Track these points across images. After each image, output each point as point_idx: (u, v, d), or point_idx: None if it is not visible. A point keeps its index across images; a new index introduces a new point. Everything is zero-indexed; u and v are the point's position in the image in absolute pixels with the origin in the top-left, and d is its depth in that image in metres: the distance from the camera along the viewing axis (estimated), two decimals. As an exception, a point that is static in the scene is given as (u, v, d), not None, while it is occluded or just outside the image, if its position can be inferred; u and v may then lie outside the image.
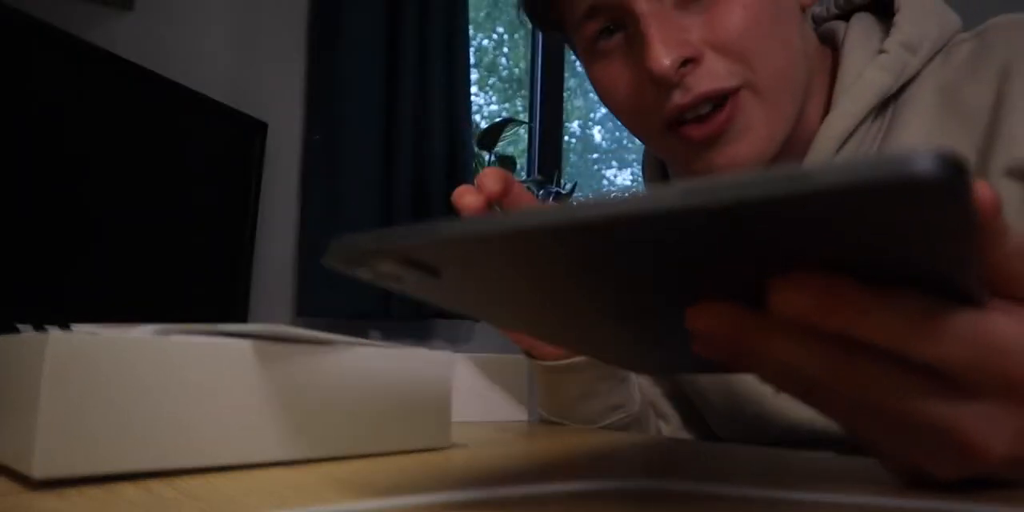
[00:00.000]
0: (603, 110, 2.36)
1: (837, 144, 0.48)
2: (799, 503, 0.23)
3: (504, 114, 2.16)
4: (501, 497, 0.23)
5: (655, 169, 0.62)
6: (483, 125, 1.90)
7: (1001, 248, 0.20)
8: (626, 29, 0.47)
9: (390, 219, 1.56)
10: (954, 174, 0.13)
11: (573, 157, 2.22)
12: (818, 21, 0.56)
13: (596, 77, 0.50)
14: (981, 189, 0.20)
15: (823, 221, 0.15)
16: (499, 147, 1.84)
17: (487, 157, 1.82)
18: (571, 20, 0.49)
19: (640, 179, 0.66)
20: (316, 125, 1.56)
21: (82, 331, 0.28)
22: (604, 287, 0.22)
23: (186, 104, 1.25)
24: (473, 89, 1.73)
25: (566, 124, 2.08)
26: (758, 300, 0.20)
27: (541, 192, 1.89)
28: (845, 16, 0.55)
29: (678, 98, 0.45)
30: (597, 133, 2.32)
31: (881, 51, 0.48)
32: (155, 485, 0.25)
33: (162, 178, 1.19)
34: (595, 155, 2.32)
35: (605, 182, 2.33)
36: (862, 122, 0.48)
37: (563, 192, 1.87)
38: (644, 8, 0.44)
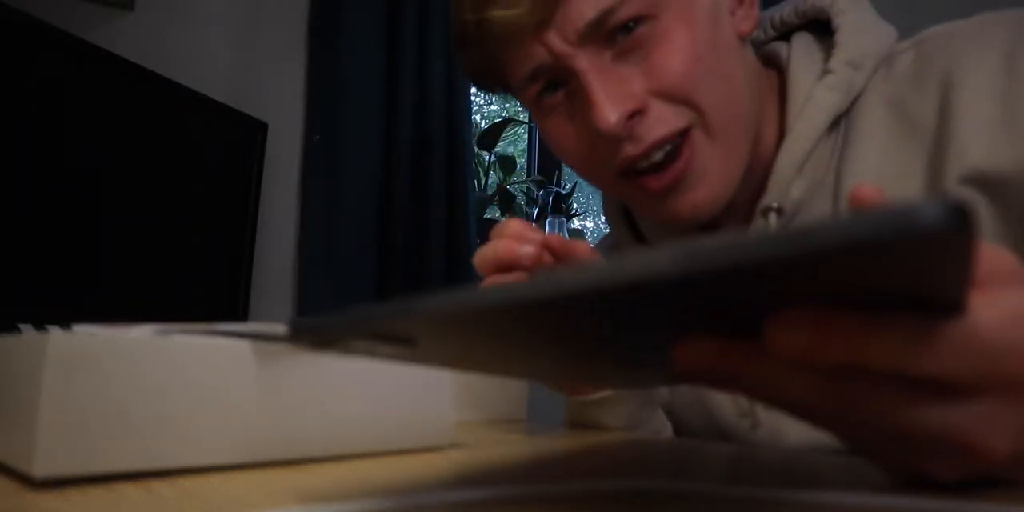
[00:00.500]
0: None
1: (797, 169, 0.48)
2: (799, 503, 0.23)
3: (504, 114, 2.16)
4: (501, 497, 0.23)
5: (616, 208, 0.62)
6: (483, 125, 1.90)
7: None
8: (568, 85, 0.47)
9: (390, 219, 1.56)
10: (962, 220, 0.13)
11: (573, 157, 2.22)
12: (757, 44, 0.56)
13: (546, 131, 0.50)
14: (866, 191, 0.21)
15: (822, 272, 0.15)
16: (499, 147, 1.84)
17: (487, 157, 1.82)
18: (515, 82, 0.49)
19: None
20: (316, 125, 1.56)
21: (83, 331, 0.28)
22: (586, 340, 0.22)
23: (186, 104, 1.25)
24: (473, 89, 1.73)
25: (566, 124, 2.08)
26: (746, 329, 0.19)
27: (541, 192, 1.89)
28: (783, 37, 0.55)
29: (630, 149, 0.45)
30: (597, 133, 2.32)
31: (826, 71, 0.49)
32: (155, 485, 0.25)
33: (162, 178, 1.19)
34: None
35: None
36: (815, 146, 0.49)
37: (563, 192, 1.87)
38: (584, 65, 0.44)
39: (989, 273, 0.20)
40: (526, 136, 2.05)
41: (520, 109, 2.14)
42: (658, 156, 0.45)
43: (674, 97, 0.44)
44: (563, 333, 0.21)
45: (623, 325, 0.20)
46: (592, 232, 2.23)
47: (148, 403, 0.27)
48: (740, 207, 0.51)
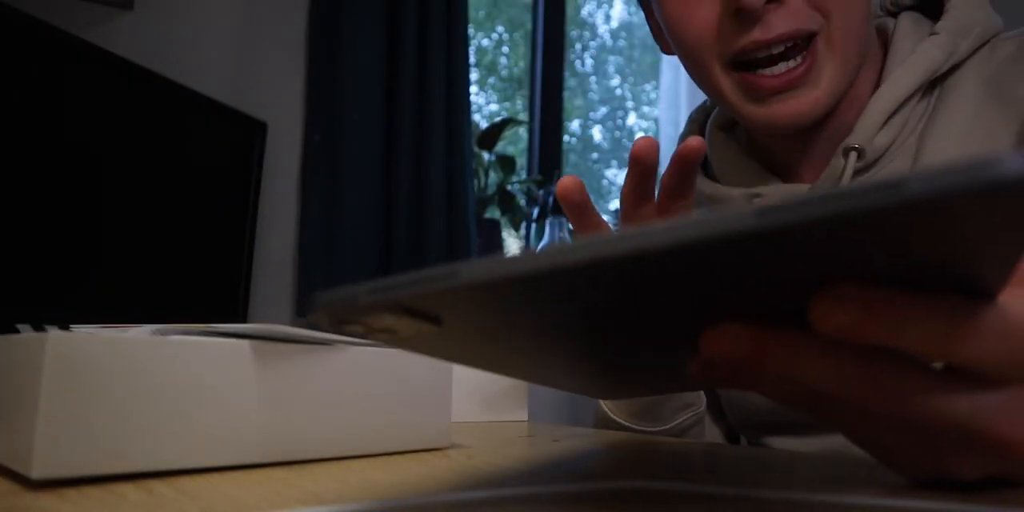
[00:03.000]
0: (603, 110, 2.36)
1: (885, 115, 0.49)
2: (799, 503, 0.23)
3: (504, 114, 2.16)
4: (501, 497, 0.23)
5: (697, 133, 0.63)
6: (483, 125, 1.90)
7: None
8: None
9: (390, 219, 1.56)
10: None
11: (573, 157, 2.22)
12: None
13: (669, 9, 0.50)
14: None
15: (900, 230, 0.14)
16: (499, 147, 1.84)
17: (487, 157, 1.82)
18: None
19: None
20: (316, 125, 1.56)
21: (81, 331, 0.28)
22: (617, 322, 0.20)
23: (186, 104, 1.25)
24: (473, 89, 1.73)
25: (566, 124, 2.08)
26: (776, 319, 0.19)
27: (541, 192, 1.89)
28: (893, 15, 0.57)
29: (758, 34, 0.46)
30: (597, 133, 2.32)
31: (933, 33, 0.50)
32: (155, 485, 0.25)
33: (162, 178, 1.19)
34: (595, 155, 2.32)
35: (605, 182, 2.33)
36: (910, 99, 0.50)
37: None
38: None
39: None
40: (526, 136, 2.05)
41: (520, 109, 2.14)
42: (777, 49, 0.47)
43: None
44: (597, 316, 0.19)
45: (658, 307, 0.19)
46: (592, 232, 2.23)
47: (147, 403, 0.26)
48: (818, 159, 0.53)
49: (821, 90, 0.48)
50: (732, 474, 0.30)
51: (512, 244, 1.92)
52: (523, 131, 2.05)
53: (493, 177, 1.86)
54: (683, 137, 0.65)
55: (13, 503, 0.22)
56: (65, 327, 0.31)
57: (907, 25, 0.53)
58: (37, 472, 0.24)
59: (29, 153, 0.96)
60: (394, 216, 1.55)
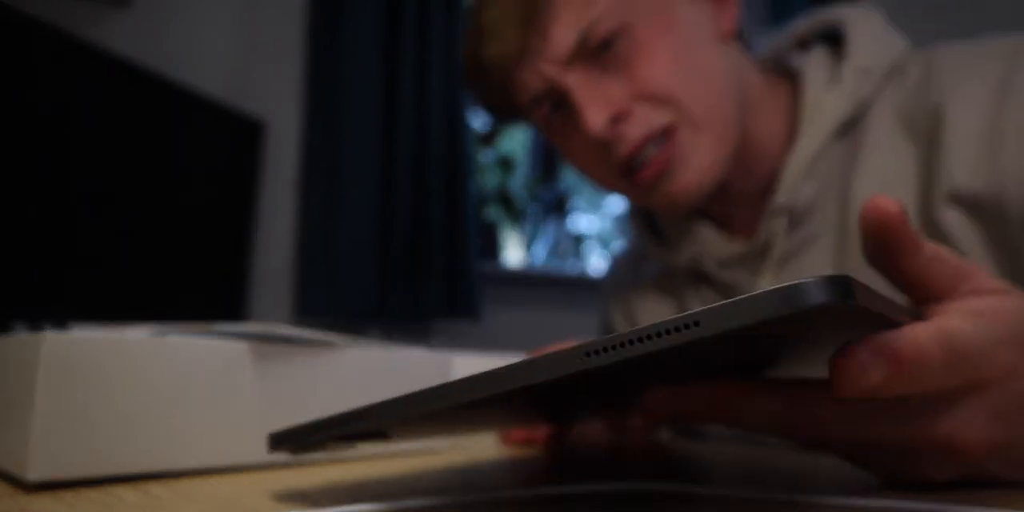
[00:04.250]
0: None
1: (806, 168, 0.51)
2: (796, 503, 0.22)
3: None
4: (501, 499, 0.23)
5: (636, 209, 0.66)
6: (483, 125, 1.90)
7: (918, 255, 0.24)
8: (564, 106, 0.51)
9: (390, 219, 1.56)
10: (842, 296, 0.14)
11: (573, 157, 2.22)
12: (778, 56, 0.60)
13: (559, 147, 0.55)
14: (884, 203, 0.22)
15: (717, 350, 0.17)
16: (498, 146, 1.84)
17: (487, 157, 1.82)
18: (523, 108, 0.54)
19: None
20: (315, 125, 1.56)
21: (78, 331, 0.28)
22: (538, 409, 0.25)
23: (184, 103, 1.25)
24: (473, 88, 1.73)
25: (566, 124, 2.08)
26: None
27: (542, 192, 1.89)
28: (802, 46, 0.58)
29: (621, 149, 0.49)
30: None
31: (836, 79, 0.52)
32: (152, 487, 0.25)
33: (161, 178, 1.19)
34: (595, 155, 2.32)
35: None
36: (828, 146, 0.52)
37: (563, 192, 1.87)
38: (571, 82, 0.49)
39: (952, 287, 0.23)
40: (526, 136, 2.05)
41: (520, 109, 2.14)
42: (651, 152, 0.49)
43: (654, 99, 0.48)
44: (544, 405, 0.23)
45: (561, 400, 0.23)
46: (592, 232, 2.23)
47: (145, 404, 0.26)
48: (751, 205, 0.55)
49: (699, 163, 0.49)
50: (729, 475, 0.30)
51: (512, 244, 1.92)
52: (523, 131, 2.05)
53: (493, 177, 1.86)
54: (628, 205, 0.67)
55: (8, 506, 0.22)
56: (63, 326, 0.31)
57: (812, 68, 0.54)
58: (33, 474, 0.24)
59: (26, 153, 0.96)
60: (394, 216, 1.55)
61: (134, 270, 1.12)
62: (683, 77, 0.48)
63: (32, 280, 0.95)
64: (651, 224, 0.64)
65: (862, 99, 0.51)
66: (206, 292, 1.29)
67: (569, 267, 1.84)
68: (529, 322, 1.80)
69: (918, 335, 0.20)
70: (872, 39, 0.52)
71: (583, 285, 1.86)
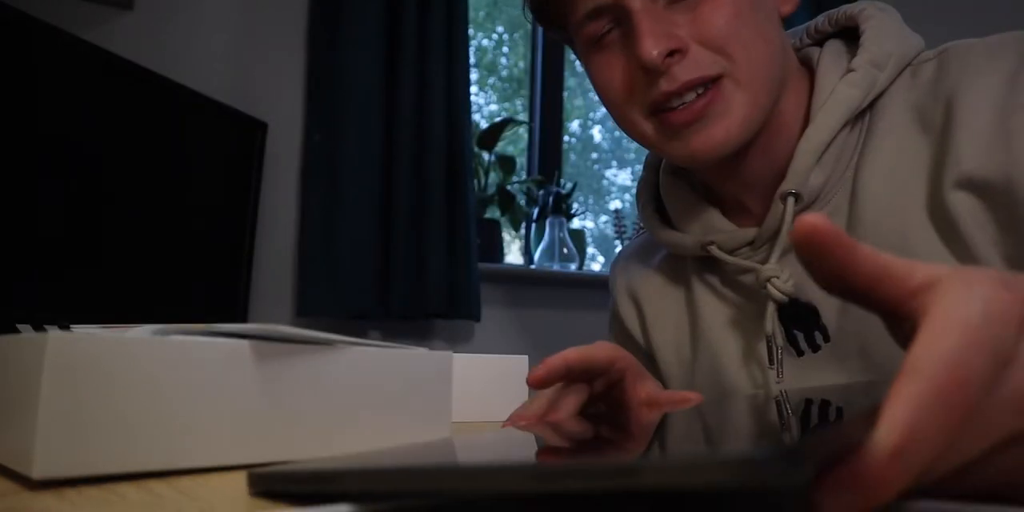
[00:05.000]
0: (603, 110, 2.36)
1: (816, 156, 0.52)
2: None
3: (504, 114, 2.16)
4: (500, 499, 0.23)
5: (648, 192, 0.66)
6: (483, 125, 1.90)
7: (857, 258, 0.22)
8: (622, 26, 0.52)
9: (390, 219, 1.56)
10: (793, 472, 0.14)
11: (573, 157, 2.22)
12: (794, 51, 0.60)
13: (593, 69, 0.55)
14: (809, 219, 0.22)
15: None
16: (499, 147, 1.84)
17: (487, 157, 1.82)
18: (574, 20, 0.54)
19: (636, 179, 0.69)
20: (316, 125, 1.56)
21: (81, 331, 0.28)
22: None
23: (186, 104, 1.25)
24: (473, 89, 1.73)
25: (566, 124, 2.08)
26: None
27: (542, 192, 1.89)
28: (818, 44, 0.59)
29: (664, 85, 0.49)
30: (597, 133, 2.31)
31: (850, 70, 0.52)
32: (155, 485, 0.25)
33: (162, 178, 1.19)
34: (595, 155, 2.32)
35: (605, 182, 2.33)
36: (839, 133, 0.52)
37: (563, 192, 1.87)
38: (637, 6, 0.49)
39: (905, 286, 0.22)
40: (526, 136, 2.05)
41: (520, 109, 2.14)
42: (689, 97, 0.50)
43: (713, 45, 0.49)
44: None
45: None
46: (592, 232, 2.23)
47: (147, 403, 0.26)
48: (762, 193, 0.56)
49: (732, 119, 0.50)
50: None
51: (512, 244, 1.92)
52: (523, 131, 2.05)
53: (493, 177, 1.86)
54: (640, 184, 0.68)
55: (13, 503, 0.22)
56: (65, 327, 0.31)
57: (828, 60, 0.55)
58: (37, 472, 0.24)
59: (29, 153, 0.96)
60: (394, 216, 1.55)
61: (135, 270, 1.13)
62: (743, 34, 0.49)
63: (34, 280, 0.95)
64: (660, 211, 0.65)
65: (875, 89, 0.52)
66: (206, 292, 1.29)
67: (569, 267, 1.84)
68: (529, 322, 1.80)
69: (874, 456, 0.18)
70: (887, 34, 0.53)
71: (583, 285, 1.86)
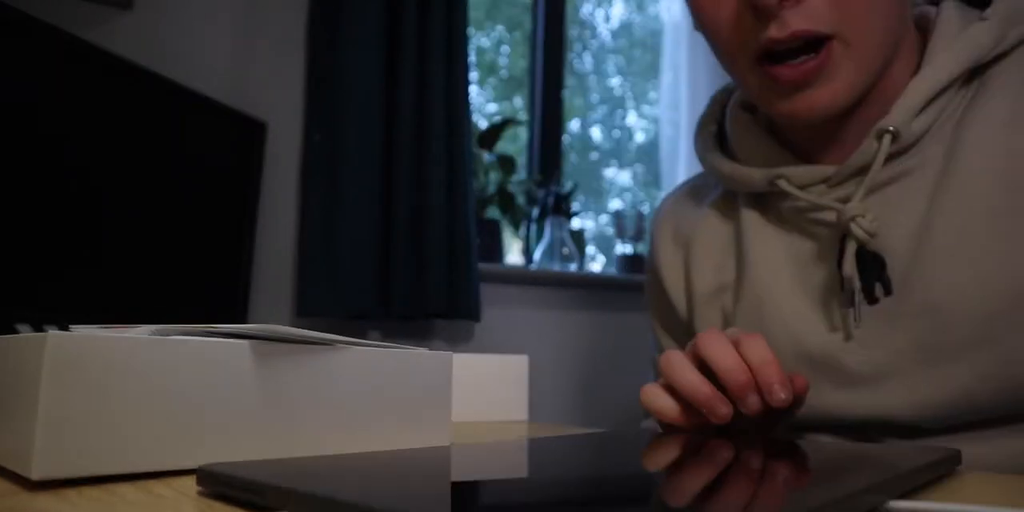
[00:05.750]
0: (602, 109, 2.36)
1: (926, 98, 0.49)
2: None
3: (503, 113, 2.16)
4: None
5: (710, 124, 0.63)
6: (482, 124, 1.90)
7: None
8: None
9: (389, 219, 1.56)
10: None
11: (573, 156, 2.22)
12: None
13: (700, 6, 0.52)
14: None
15: None
16: (499, 147, 1.84)
17: (487, 157, 1.82)
18: None
19: (636, 178, 0.67)
20: (316, 125, 1.56)
21: (81, 331, 0.28)
22: None
23: (185, 103, 1.25)
24: (473, 89, 1.73)
25: (565, 123, 2.08)
26: None
27: (541, 192, 1.89)
28: (934, 3, 0.57)
29: (774, 31, 0.47)
30: (597, 132, 2.31)
31: (983, 18, 0.50)
32: (154, 486, 0.25)
33: (161, 178, 1.19)
34: (595, 154, 2.32)
35: (605, 182, 2.33)
36: (950, 85, 0.49)
37: (563, 192, 1.87)
38: None
39: None
40: (526, 136, 2.05)
41: (519, 108, 2.14)
42: (795, 45, 0.47)
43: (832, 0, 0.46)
44: None
45: None
46: (592, 232, 2.23)
47: (147, 403, 0.26)
48: (857, 135, 0.53)
49: (840, 83, 0.48)
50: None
51: (512, 244, 1.92)
52: (523, 131, 2.05)
53: (493, 177, 1.86)
54: (703, 117, 0.65)
55: (12, 503, 0.22)
56: (65, 327, 0.31)
57: (952, 12, 0.52)
58: (37, 472, 0.24)
59: (28, 153, 0.96)
60: (394, 216, 1.55)
61: (135, 270, 1.13)
62: None
63: (34, 280, 0.95)
64: (721, 144, 0.62)
65: (1003, 44, 0.49)
66: (206, 292, 1.29)
67: (569, 267, 1.84)
68: (529, 322, 1.80)
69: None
70: None
71: (583, 285, 1.86)
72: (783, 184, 0.53)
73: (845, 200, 0.51)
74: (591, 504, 0.20)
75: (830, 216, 0.52)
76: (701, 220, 0.62)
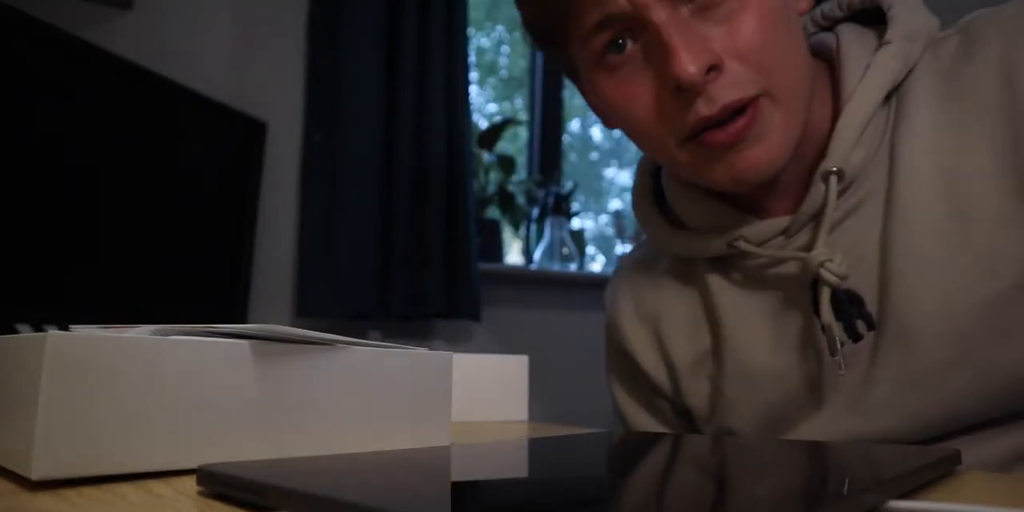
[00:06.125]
0: (603, 110, 2.36)
1: (857, 135, 0.48)
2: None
3: (503, 113, 2.16)
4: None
5: (648, 199, 0.62)
6: (482, 124, 1.90)
7: None
8: (640, 40, 0.47)
9: (390, 219, 1.56)
10: None
11: (573, 156, 2.22)
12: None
13: (606, 92, 0.49)
14: None
15: None
16: (499, 147, 1.84)
17: (487, 157, 1.82)
18: (578, 34, 0.49)
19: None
20: (316, 125, 1.56)
21: (81, 331, 0.28)
22: None
23: (185, 104, 1.25)
24: (473, 89, 1.73)
25: (565, 123, 2.08)
26: None
27: (541, 192, 1.89)
28: (827, 29, 0.56)
29: (704, 109, 0.45)
30: (597, 132, 2.31)
31: (885, 42, 0.50)
32: (154, 485, 0.25)
33: (162, 178, 1.19)
34: (595, 154, 2.32)
35: (604, 182, 2.33)
36: (874, 113, 0.49)
37: (563, 192, 1.87)
38: (662, 17, 0.44)
39: None
40: (526, 136, 2.05)
41: (519, 108, 2.14)
42: (725, 116, 0.46)
43: (748, 60, 0.45)
44: None
45: None
46: (592, 232, 2.24)
47: (147, 403, 0.26)
48: (797, 178, 0.52)
49: (774, 137, 0.47)
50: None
51: (512, 244, 1.92)
52: (523, 131, 2.05)
53: (493, 177, 1.86)
54: (636, 187, 0.63)
55: (12, 503, 0.22)
56: (65, 327, 0.31)
57: (852, 39, 0.52)
58: (37, 472, 0.24)
59: (28, 153, 0.96)
60: (394, 216, 1.55)
61: (135, 270, 1.13)
62: (780, 47, 0.46)
63: (34, 280, 0.95)
64: (662, 214, 0.61)
65: (909, 62, 0.49)
66: (206, 292, 1.29)
67: (569, 267, 1.84)
68: (529, 322, 1.80)
69: None
70: (913, 8, 0.51)
71: (583, 285, 1.86)
72: (742, 245, 0.52)
73: (807, 248, 0.50)
74: (591, 504, 0.20)
75: (795, 267, 0.52)
76: (662, 292, 0.61)
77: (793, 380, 0.53)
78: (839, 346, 0.47)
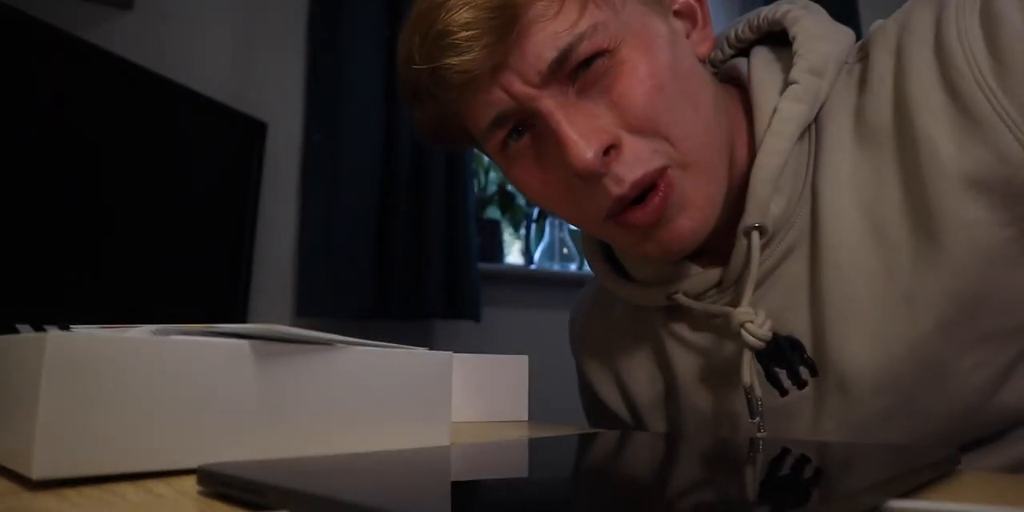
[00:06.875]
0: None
1: (773, 184, 0.47)
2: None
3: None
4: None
5: (595, 248, 0.61)
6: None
7: None
8: (533, 129, 0.46)
9: (390, 219, 1.56)
10: None
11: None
12: (716, 64, 0.56)
13: (518, 178, 0.49)
14: None
15: None
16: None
17: (487, 157, 1.82)
18: (477, 131, 0.48)
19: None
20: (316, 125, 1.56)
21: (81, 331, 0.28)
22: None
23: (185, 104, 1.25)
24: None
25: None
26: None
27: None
28: (742, 53, 0.54)
29: (613, 188, 0.43)
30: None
31: (790, 82, 0.47)
32: (154, 485, 0.25)
33: (162, 178, 1.19)
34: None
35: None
36: (789, 155, 0.48)
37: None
38: (549, 106, 0.43)
39: None
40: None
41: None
42: (637, 192, 0.44)
43: (644, 130, 0.43)
44: None
45: None
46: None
47: (147, 403, 0.26)
48: (721, 229, 0.50)
49: (696, 204, 0.45)
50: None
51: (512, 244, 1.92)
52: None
53: (493, 177, 1.86)
54: (584, 238, 0.62)
55: (13, 503, 0.22)
56: (65, 327, 0.31)
57: (761, 74, 0.49)
58: (37, 472, 0.24)
59: (29, 153, 0.96)
60: (394, 216, 1.55)
61: (135, 270, 1.13)
62: (671, 106, 0.43)
63: (34, 280, 0.95)
64: (609, 260, 0.60)
65: (819, 100, 0.47)
66: (206, 292, 1.29)
67: (569, 267, 1.84)
68: (529, 322, 1.80)
69: None
70: (819, 36, 0.48)
71: (583, 285, 1.86)
72: (680, 298, 0.51)
73: (737, 303, 0.48)
74: (591, 504, 0.20)
75: (724, 322, 0.50)
76: (618, 335, 0.61)
77: (746, 425, 0.52)
78: (758, 407, 0.46)
